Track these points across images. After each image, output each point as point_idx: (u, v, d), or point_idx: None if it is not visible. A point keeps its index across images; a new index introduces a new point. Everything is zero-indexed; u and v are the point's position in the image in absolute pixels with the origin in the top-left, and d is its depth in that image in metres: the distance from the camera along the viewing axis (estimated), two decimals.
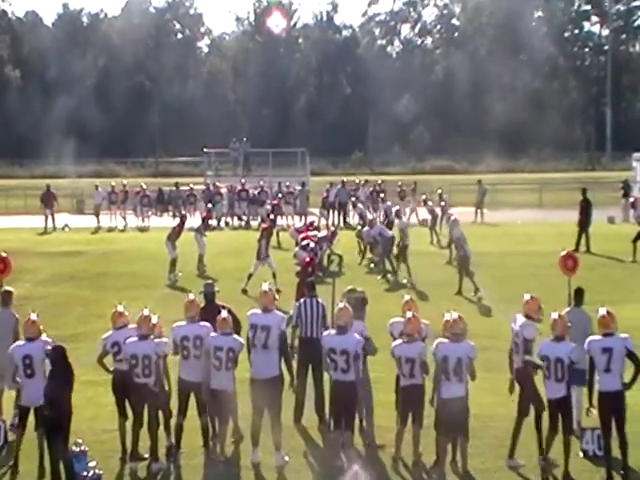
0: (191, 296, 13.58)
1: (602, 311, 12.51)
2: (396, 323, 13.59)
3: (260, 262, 26.24)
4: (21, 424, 12.91)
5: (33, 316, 13.15)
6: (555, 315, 12.71)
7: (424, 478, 12.62)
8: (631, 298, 23.25)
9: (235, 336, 13.09)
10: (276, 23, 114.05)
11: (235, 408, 13.49)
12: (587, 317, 14.09)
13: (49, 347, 12.65)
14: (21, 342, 12.95)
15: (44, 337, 12.96)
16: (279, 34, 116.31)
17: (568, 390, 12.53)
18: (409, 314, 13.04)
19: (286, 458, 13.03)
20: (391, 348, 13.01)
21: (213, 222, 40.28)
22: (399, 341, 12.94)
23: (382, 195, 43.34)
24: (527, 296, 13.62)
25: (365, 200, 43.65)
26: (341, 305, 13.07)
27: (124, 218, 45.32)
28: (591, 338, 12.52)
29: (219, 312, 13.42)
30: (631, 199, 39.19)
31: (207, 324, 13.21)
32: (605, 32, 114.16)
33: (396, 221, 30.83)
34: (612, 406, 12.24)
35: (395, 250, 29.18)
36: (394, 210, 33.25)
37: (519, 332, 13.08)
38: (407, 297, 13.93)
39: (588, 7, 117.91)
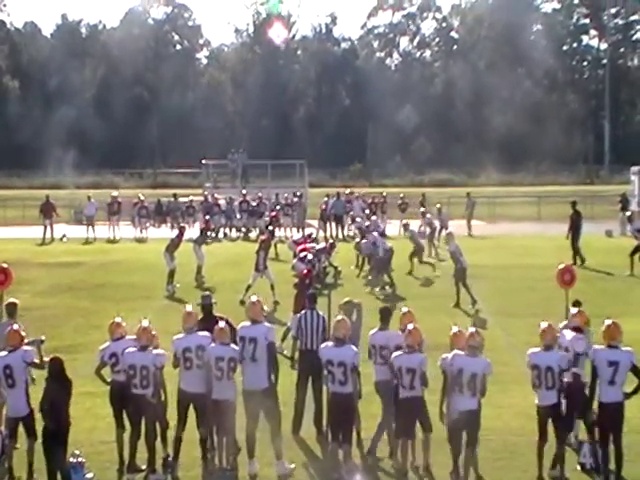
0: (189, 307, 13.62)
1: (608, 322, 12.60)
2: (396, 336, 13.61)
3: (258, 274, 26.25)
4: (12, 435, 12.90)
5: (15, 326, 13.21)
6: (544, 325, 12.84)
7: None
8: (629, 311, 23.23)
9: (234, 346, 13.12)
10: (277, 34, 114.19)
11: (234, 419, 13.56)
12: (585, 329, 14.10)
13: (30, 357, 12.74)
14: (3, 353, 12.94)
15: (25, 347, 12.98)
16: (280, 45, 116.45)
17: (559, 398, 12.64)
18: (410, 326, 13.06)
19: (292, 466, 13.06)
20: (391, 359, 13.03)
21: (211, 233, 40.31)
22: (399, 352, 12.94)
23: (366, 211, 43.17)
24: (574, 310, 13.74)
25: (360, 213, 43.64)
26: (339, 317, 13.11)
27: (112, 228, 45.29)
28: (596, 347, 12.58)
29: (217, 323, 13.47)
30: (628, 213, 39.28)
31: (207, 334, 13.25)
32: (604, 46, 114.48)
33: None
34: (613, 417, 12.32)
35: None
36: (365, 224, 33.22)
37: (569, 346, 13.09)
38: (405, 309, 13.94)
39: (587, 21, 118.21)
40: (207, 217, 37.66)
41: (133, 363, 12.78)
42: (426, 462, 12.97)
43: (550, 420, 12.64)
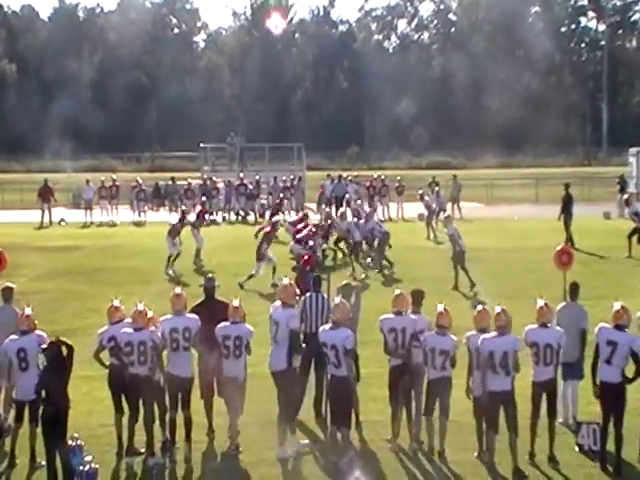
0: (177, 290, 13.60)
1: (617, 306, 12.69)
2: (386, 320, 13.60)
3: (261, 263, 26.13)
4: (19, 418, 12.99)
5: (27, 310, 13.25)
6: (541, 302, 12.92)
7: (427, 469, 12.70)
8: (627, 293, 23.05)
9: (245, 324, 13.22)
10: (275, 24, 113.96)
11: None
12: (582, 311, 14.15)
13: (44, 341, 12.72)
14: (15, 336, 13.01)
15: (38, 331, 13.04)
16: (278, 35, 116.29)
17: (555, 373, 12.81)
18: (440, 307, 13.16)
19: (289, 452, 13.06)
20: (423, 339, 13.06)
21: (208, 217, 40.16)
22: (431, 333, 13.03)
23: (355, 196, 42.87)
24: None
25: (354, 196, 43.56)
26: (337, 300, 13.09)
27: (106, 211, 45.33)
28: (601, 325, 12.69)
29: (218, 306, 13.61)
30: (625, 196, 39.23)
31: (194, 316, 13.32)
32: (602, 27, 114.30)
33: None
34: (609, 397, 12.40)
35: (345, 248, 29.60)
36: (339, 212, 33.10)
37: None
38: (397, 291, 13.88)
39: (585, 2, 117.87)
40: (203, 199, 37.28)
41: (130, 340, 12.83)
42: (442, 447, 13.00)
43: (545, 395, 12.77)
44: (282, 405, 13.20)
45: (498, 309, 12.70)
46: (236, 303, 13.32)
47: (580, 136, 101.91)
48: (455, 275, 25.33)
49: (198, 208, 33.98)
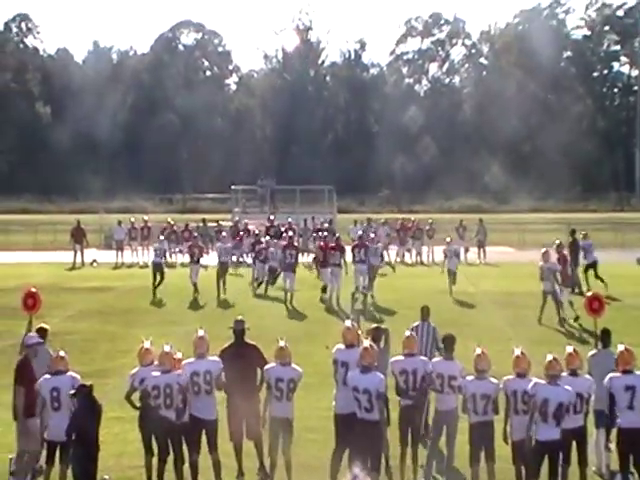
0: (200, 332, 13.62)
1: (621, 347, 12.58)
2: (396, 362, 13.58)
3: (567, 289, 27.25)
4: (49, 459, 12.99)
5: (62, 353, 13.31)
6: (570, 349, 12.82)
7: None
8: None
9: (294, 366, 13.28)
10: (290, 42, 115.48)
11: (261, 444, 13.61)
12: (614, 359, 14.05)
13: (77, 384, 12.75)
14: (48, 376, 13.05)
15: (72, 373, 13.09)
16: (293, 53, 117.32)
17: (585, 421, 12.66)
18: (478, 350, 13.03)
19: None
20: (462, 385, 12.94)
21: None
22: (471, 377, 12.90)
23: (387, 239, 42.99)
24: None
25: (385, 239, 43.75)
26: (366, 344, 13.07)
27: (136, 252, 45.70)
28: (612, 375, 12.60)
29: (247, 349, 13.71)
30: None
31: (216, 359, 13.38)
32: (635, 72, 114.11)
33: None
34: (633, 442, 12.25)
35: None
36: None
37: None
38: (407, 333, 13.88)
39: (617, 47, 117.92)
40: (195, 236, 37.18)
41: (156, 384, 12.90)
42: None
43: (575, 443, 12.56)
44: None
45: (550, 357, 12.44)
46: (282, 344, 13.37)
47: (612, 181, 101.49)
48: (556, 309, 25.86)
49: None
